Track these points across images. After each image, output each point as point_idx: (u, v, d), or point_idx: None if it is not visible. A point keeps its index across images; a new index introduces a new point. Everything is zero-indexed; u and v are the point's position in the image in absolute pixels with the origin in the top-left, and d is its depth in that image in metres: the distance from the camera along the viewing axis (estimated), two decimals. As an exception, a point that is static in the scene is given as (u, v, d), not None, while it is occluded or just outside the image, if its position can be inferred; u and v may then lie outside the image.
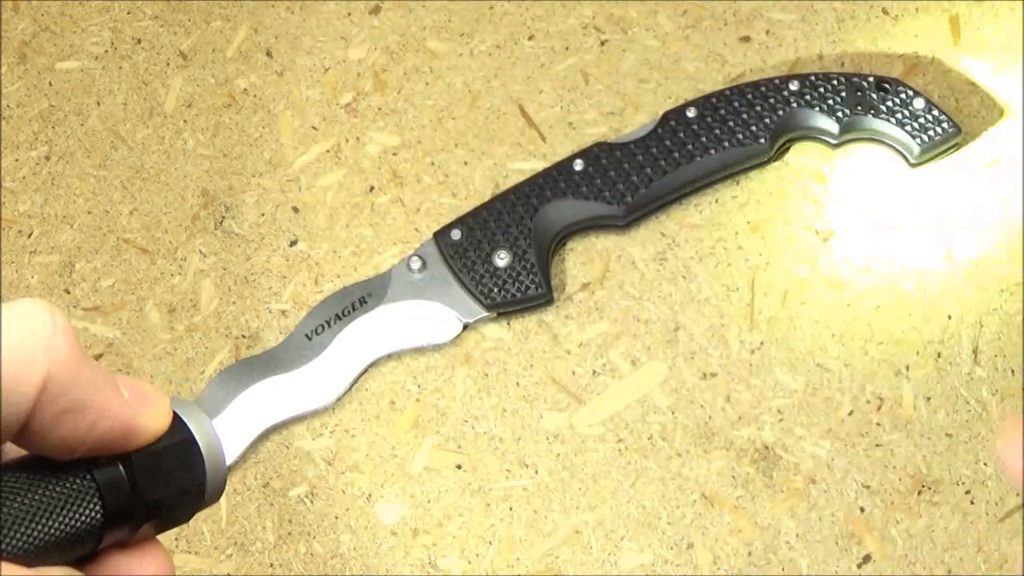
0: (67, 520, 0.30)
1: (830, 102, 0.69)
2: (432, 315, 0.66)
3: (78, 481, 0.30)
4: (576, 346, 0.66)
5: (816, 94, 0.69)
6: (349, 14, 0.77)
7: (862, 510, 0.61)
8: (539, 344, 0.66)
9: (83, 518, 0.30)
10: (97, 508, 0.30)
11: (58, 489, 0.30)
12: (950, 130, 0.68)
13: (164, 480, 0.32)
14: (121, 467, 0.31)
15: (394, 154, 0.72)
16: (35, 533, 0.29)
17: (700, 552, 0.61)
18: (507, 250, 0.66)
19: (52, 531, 0.29)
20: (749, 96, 0.69)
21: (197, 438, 0.33)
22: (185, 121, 0.74)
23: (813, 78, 0.70)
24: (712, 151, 0.68)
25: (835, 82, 0.69)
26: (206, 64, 0.76)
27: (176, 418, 0.33)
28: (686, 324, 0.66)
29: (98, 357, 0.67)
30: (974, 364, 0.64)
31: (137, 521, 0.31)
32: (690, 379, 0.65)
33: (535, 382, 0.65)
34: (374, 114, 0.73)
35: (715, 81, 0.73)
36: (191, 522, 0.58)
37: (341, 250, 0.69)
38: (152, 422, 0.31)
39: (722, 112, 0.69)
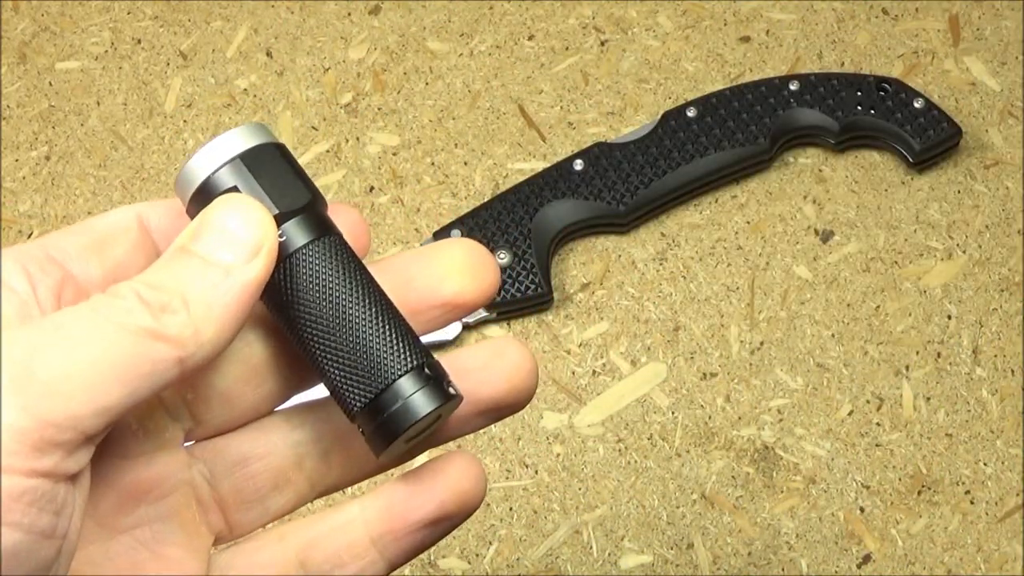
0: (343, 258, 0.33)
1: (830, 102, 0.69)
2: (432, 315, 0.66)
3: (311, 257, 0.32)
4: (576, 346, 0.66)
5: (816, 94, 0.69)
6: (349, 14, 0.77)
7: (862, 510, 0.61)
8: (539, 344, 0.66)
9: (336, 244, 0.33)
10: (329, 238, 0.33)
11: (319, 270, 0.32)
12: (950, 130, 0.68)
13: (282, 176, 0.33)
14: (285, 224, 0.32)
15: (394, 154, 0.72)
16: (365, 285, 0.33)
17: (700, 552, 0.61)
18: (507, 250, 0.66)
19: (358, 274, 0.33)
20: (749, 96, 0.69)
21: (249, 147, 0.33)
22: (185, 121, 0.74)
23: (813, 78, 0.70)
24: (712, 151, 0.68)
25: (835, 82, 0.69)
26: (206, 64, 0.76)
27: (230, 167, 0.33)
28: (686, 324, 0.66)
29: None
30: (974, 364, 0.64)
31: (312, 196, 0.33)
32: (690, 379, 0.65)
33: (535, 382, 0.65)
34: (374, 114, 0.73)
35: (715, 81, 0.73)
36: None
37: (341, 250, 0.69)
38: (266, 247, 0.32)
39: (722, 112, 0.69)
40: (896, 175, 0.70)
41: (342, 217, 0.34)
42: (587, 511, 0.62)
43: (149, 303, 0.29)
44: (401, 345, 0.32)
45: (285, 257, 0.32)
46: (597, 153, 0.68)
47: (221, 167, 0.33)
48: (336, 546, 0.34)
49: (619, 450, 0.63)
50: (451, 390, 0.33)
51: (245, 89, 0.75)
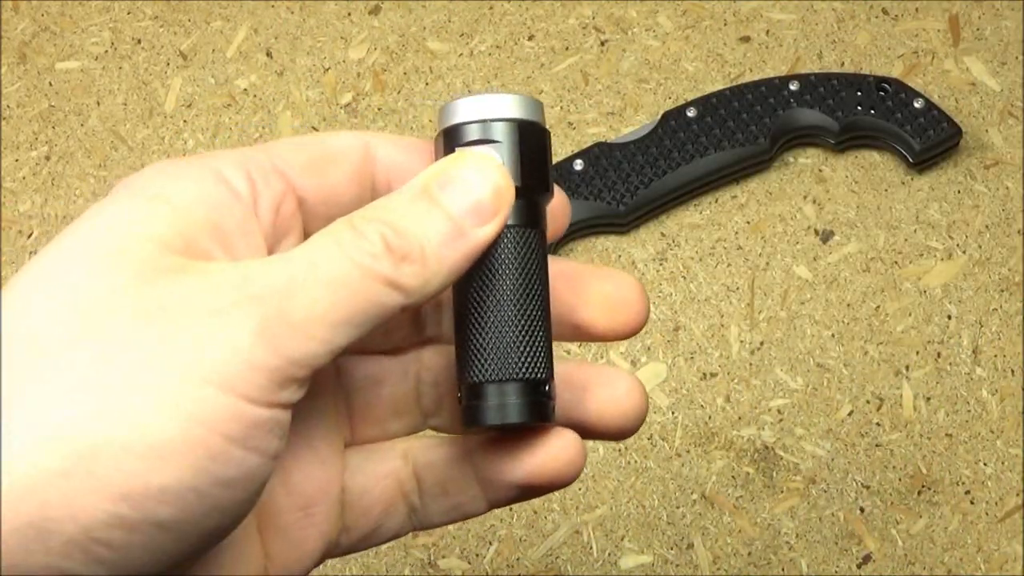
0: (536, 258, 0.34)
1: (830, 102, 0.69)
2: (432, 315, 0.66)
3: (511, 243, 0.34)
4: (576, 346, 0.66)
5: (816, 94, 0.69)
6: (349, 14, 0.77)
7: (862, 510, 0.61)
8: (539, 344, 0.66)
9: (534, 244, 0.34)
10: (533, 235, 0.34)
11: (515, 258, 0.33)
12: (950, 130, 0.68)
13: (534, 158, 0.34)
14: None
15: (394, 154, 0.72)
16: (538, 288, 0.34)
17: (700, 552, 0.61)
18: (507, 250, 0.66)
19: (541, 277, 0.34)
20: (749, 96, 0.69)
21: (522, 117, 0.34)
22: (185, 121, 0.74)
23: (813, 78, 0.70)
24: (712, 151, 0.68)
25: (835, 82, 0.69)
26: (206, 64, 0.76)
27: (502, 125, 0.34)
28: (686, 324, 0.66)
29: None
30: (974, 364, 0.64)
31: (543, 191, 0.34)
32: (690, 379, 0.65)
33: (535, 382, 0.65)
34: (374, 114, 0.73)
35: (715, 81, 0.73)
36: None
37: (341, 250, 0.69)
38: (503, 206, 0.33)
39: (722, 112, 0.69)
40: (896, 175, 0.70)
41: (553, 204, 0.36)
42: (587, 511, 0.62)
43: (393, 249, 0.31)
44: (536, 353, 0.33)
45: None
46: (597, 153, 0.68)
47: (498, 121, 0.34)
48: (447, 475, 0.37)
49: (619, 450, 0.63)
50: (550, 414, 0.34)
51: (245, 89, 0.75)
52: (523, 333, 0.33)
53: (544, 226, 0.35)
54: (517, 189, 0.33)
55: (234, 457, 0.29)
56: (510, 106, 0.34)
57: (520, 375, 0.33)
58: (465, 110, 0.34)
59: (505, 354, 0.33)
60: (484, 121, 0.34)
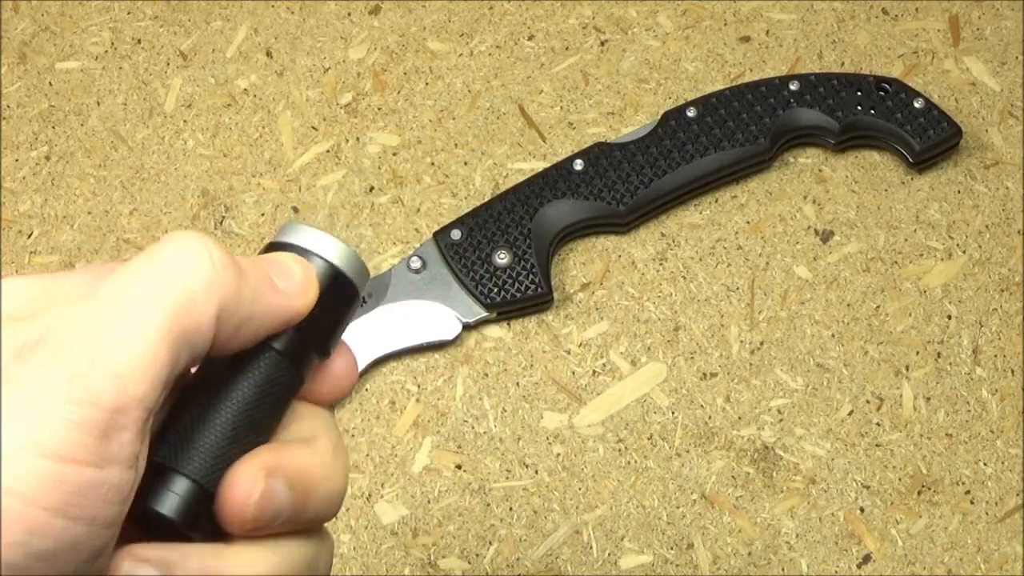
0: (272, 396, 0.34)
1: (830, 102, 0.69)
2: (432, 315, 0.66)
3: (263, 363, 0.34)
4: (576, 346, 0.66)
5: (816, 94, 0.69)
6: (349, 14, 0.77)
7: (862, 510, 0.61)
8: (539, 344, 0.66)
9: (282, 384, 0.34)
10: (288, 371, 0.34)
11: (252, 379, 0.34)
12: (950, 130, 0.68)
13: (326, 313, 0.35)
14: (284, 337, 0.35)
15: (394, 154, 0.72)
16: (260, 414, 0.34)
17: (700, 552, 0.61)
18: (507, 250, 0.66)
19: (263, 414, 0.34)
20: (749, 96, 0.69)
21: (333, 262, 0.36)
22: (185, 121, 0.74)
23: (813, 78, 0.70)
24: (712, 151, 0.68)
25: (835, 82, 0.69)
26: (206, 64, 0.76)
27: (318, 259, 0.36)
28: (686, 324, 0.66)
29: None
30: (974, 364, 0.64)
31: (321, 351, 0.36)
32: (690, 379, 0.65)
33: (535, 382, 0.65)
34: (374, 114, 0.73)
35: (715, 81, 0.73)
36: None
37: (341, 250, 0.69)
38: (307, 299, 0.35)
39: (722, 112, 0.69)
40: (896, 175, 0.70)
41: (338, 364, 0.37)
42: (587, 511, 0.62)
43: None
44: (220, 467, 0.33)
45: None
46: (597, 153, 0.68)
47: (321, 257, 0.36)
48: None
49: (619, 450, 0.63)
50: (198, 530, 0.33)
51: (245, 89, 0.75)
52: (220, 435, 0.33)
53: (303, 374, 0.35)
54: (302, 338, 0.35)
55: (53, 528, 0.27)
56: (338, 254, 0.36)
57: (193, 472, 0.32)
58: (301, 236, 0.36)
59: (200, 446, 0.33)
60: (306, 251, 0.36)
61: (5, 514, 0.27)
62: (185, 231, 0.32)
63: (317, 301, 0.35)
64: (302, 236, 0.36)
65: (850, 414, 0.63)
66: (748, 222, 0.69)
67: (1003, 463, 0.62)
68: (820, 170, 0.70)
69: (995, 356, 0.64)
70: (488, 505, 0.62)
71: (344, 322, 0.37)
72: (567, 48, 0.75)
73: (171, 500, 0.32)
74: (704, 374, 0.65)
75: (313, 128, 0.73)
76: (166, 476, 0.32)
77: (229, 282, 0.32)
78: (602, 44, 0.75)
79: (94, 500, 0.28)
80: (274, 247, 0.36)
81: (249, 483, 0.32)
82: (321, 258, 0.36)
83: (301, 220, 0.37)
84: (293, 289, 0.34)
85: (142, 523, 0.32)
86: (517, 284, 0.65)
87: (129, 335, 0.29)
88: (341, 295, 0.36)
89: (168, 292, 0.30)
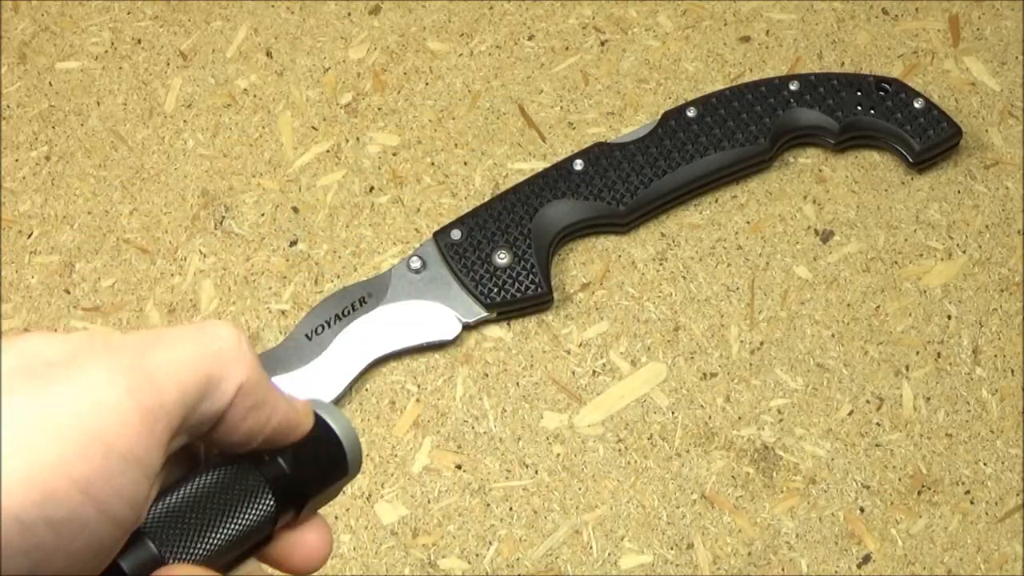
0: (248, 516, 0.35)
1: (830, 102, 0.69)
2: (432, 315, 0.66)
3: (251, 480, 0.36)
4: (576, 346, 0.66)
5: (816, 94, 0.69)
6: (349, 14, 0.77)
7: (862, 510, 0.61)
8: (539, 344, 0.66)
9: (260, 511, 0.36)
10: (270, 500, 0.36)
11: (236, 490, 0.35)
12: (950, 130, 0.68)
13: (317, 465, 0.37)
14: (282, 461, 0.36)
15: (394, 154, 0.72)
16: (225, 532, 0.35)
17: (700, 552, 0.61)
18: (507, 250, 0.66)
19: (238, 528, 0.35)
20: (749, 96, 0.69)
21: (331, 423, 0.38)
22: (185, 121, 0.74)
23: (813, 78, 0.70)
24: (712, 151, 0.68)
25: (835, 82, 0.69)
26: (206, 64, 0.76)
27: (315, 415, 0.38)
28: (686, 324, 0.66)
29: (98, 357, 0.67)
30: (974, 364, 0.64)
31: (300, 503, 0.37)
32: (690, 379, 0.65)
33: (535, 382, 0.65)
34: (374, 114, 0.73)
35: (715, 81, 0.73)
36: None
37: (341, 250, 0.69)
38: (306, 417, 0.37)
39: (722, 112, 0.69)
40: (896, 175, 0.70)
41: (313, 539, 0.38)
42: (587, 511, 0.62)
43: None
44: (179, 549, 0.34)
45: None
46: (597, 153, 0.68)
47: (325, 418, 0.38)
48: None
49: (619, 450, 0.63)
50: None
51: (245, 89, 0.75)
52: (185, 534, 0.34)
53: (279, 515, 0.36)
54: (289, 479, 0.36)
55: (71, 499, 0.29)
56: (341, 426, 0.38)
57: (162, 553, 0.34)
58: (318, 403, 0.38)
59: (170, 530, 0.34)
60: (315, 405, 0.38)
61: (33, 474, 0.29)
62: (221, 320, 0.36)
63: (309, 453, 0.37)
64: (318, 403, 0.38)
65: (850, 414, 0.63)
66: (748, 222, 0.69)
67: (1003, 463, 0.62)
68: (820, 170, 0.70)
69: (995, 356, 0.64)
70: (488, 505, 0.62)
71: (326, 492, 0.38)
72: (567, 48, 0.75)
73: (131, 559, 0.33)
74: (704, 374, 0.65)
75: (313, 128, 0.73)
76: (140, 538, 0.34)
77: (253, 362, 0.35)
78: (602, 44, 0.75)
79: (112, 487, 0.30)
80: None
81: None
82: (325, 419, 0.38)
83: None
84: (297, 407, 0.37)
85: None
86: (517, 284, 0.65)
87: (168, 355, 0.32)
88: (331, 460, 0.38)
89: (204, 341, 0.33)
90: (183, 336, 0.33)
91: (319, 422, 0.38)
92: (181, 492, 0.35)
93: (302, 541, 0.38)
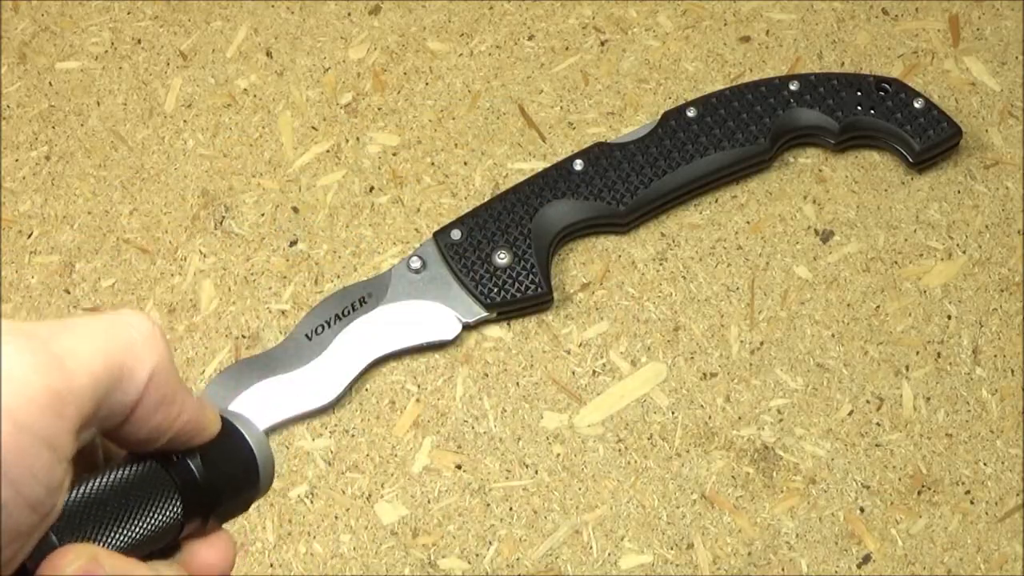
0: (155, 517, 0.35)
1: (830, 102, 0.69)
2: (432, 315, 0.66)
3: (160, 480, 0.35)
4: (576, 346, 0.66)
5: (816, 94, 0.69)
6: (349, 14, 0.77)
7: (862, 510, 0.61)
8: (539, 344, 0.66)
9: (167, 513, 0.35)
10: (177, 503, 0.35)
11: (145, 488, 0.35)
12: (950, 130, 0.68)
13: (228, 473, 0.36)
14: (191, 464, 0.35)
15: (394, 154, 0.72)
16: (130, 532, 0.34)
17: (700, 552, 0.61)
18: (507, 250, 0.66)
19: (144, 528, 0.34)
20: (749, 96, 0.69)
21: (245, 435, 0.37)
22: (185, 121, 0.74)
23: (813, 78, 0.70)
24: (712, 151, 0.68)
25: (835, 82, 0.69)
26: (206, 64, 0.76)
27: (224, 420, 0.37)
28: (686, 324, 0.66)
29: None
30: (974, 364, 0.64)
31: (208, 510, 0.36)
32: (690, 379, 0.65)
33: (535, 382, 0.65)
34: (374, 114, 0.73)
35: (715, 81, 0.73)
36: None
37: (341, 250, 0.69)
38: (213, 419, 0.36)
39: (722, 112, 0.69)
40: (896, 175, 0.70)
41: (216, 549, 0.37)
42: (587, 511, 0.62)
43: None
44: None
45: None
46: (597, 153, 0.68)
47: (240, 428, 0.38)
48: None
49: (619, 450, 0.63)
50: None
51: (245, 89, 0.75)
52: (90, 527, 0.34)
53: (185, 520, 0.35)
54: (198, 484, 0.36)
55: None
56: (257, 439, 0.37)
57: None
58: (239, 415, 0.38)
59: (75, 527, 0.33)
60: (230, 415, 0.37)
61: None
62: (133, 310, 0.35)
63: (220, 459, 0.36)
64: (235, 414, 0.38)
65: (850, 414, 0.63)
66: (748, 222, 0.69)
67: (1003, 463, 0.62)
68: (820, 170, 0.70)
69: (995, 356, 0.64)
70: (488, 505, 0.62)
71: (235, 503, 0.37)
72: (567, 48, 0.75)
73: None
74: (704, 374, 0.65)
75: (313, 128, 0.73)
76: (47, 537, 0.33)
77: (166, 354, 0.34)
78: (602, 44, 0.75)
79: (26, 466, 0.30)
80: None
81: (67, 561, 0.32)
82: (239, 429, 0.37)
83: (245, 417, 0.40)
84: (206, 408, 0.36)
85: None
86: (517, 284, 0.65)
87: (80, 341, 0.32)
88: (243, 471, 0.37)
89: (117, 330, 0.33)
90: (96, 324, 0.33)
91: (233, 432, 0.37)
92: (89, 486, 0.34)
93: (206, 553, 0.37)
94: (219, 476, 0.36)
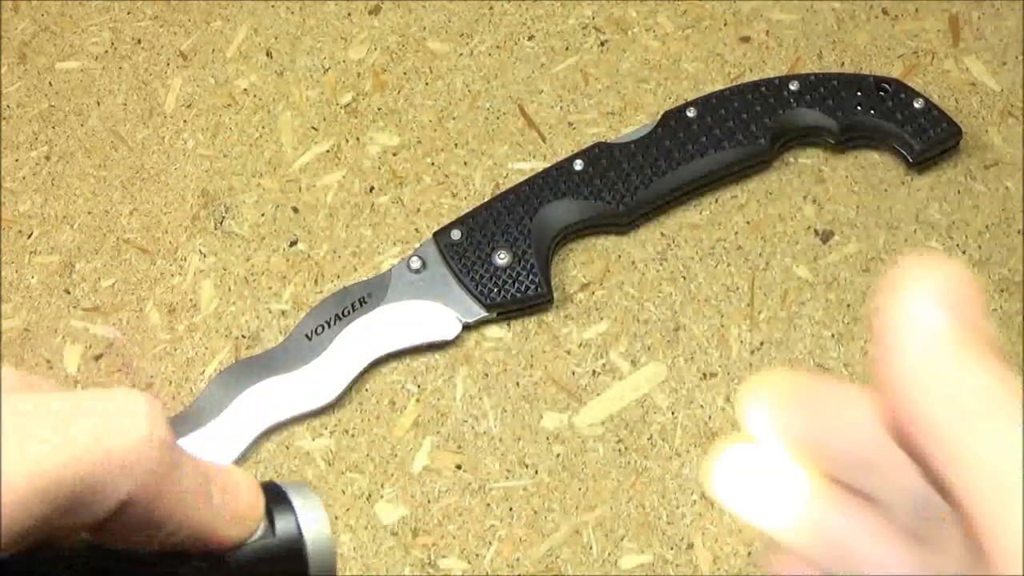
0: None
1: (830, 102, 0.69)
2: (432, 315, 0.66)
3: None
4: (576, 346, 0.66)
5: (816, 94, 0.69)
6: (349, 14, 0.77)
7: (862, 510, 0.61)
8: (539, 344, 0.66)
9: None
10: None
11: None
12: (950, 130, 0.68)
13: None
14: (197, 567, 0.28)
15: (394, 154, 0.72)
16: None
17: (700, 552, 0.61)
18: (507, 250, 0.66)
19: None
20: (749, 96, 0.69)
21: (303, 528, 0.29)
22: (185, 121, 0.74)
23: (813, 78, 0.70)
24: (712, 151, 0.68)
25: (835, 82, 0.69)
26: (206, 64, 0.76)
27: (282, 504, 0.29)
28: (686, 324, 0.66)
29: (98, 358, 0.67)
30: (974, 364, 0.64)
31: None
32: (690, 379, 0.65)
33: (535, 382, 0.65)
34: (374, 114, 0.73)
35: (715, 81, 0.73)
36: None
37: (341, 250, 0.69)
38: (240, 530, 0.28)
39: (722, 112, 0.69)
40: (896, 175, 0.70)
41: None
42: (587, 511, 0.62)
43: None
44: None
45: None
46: (597, 153, 0.68)
47: (294, 515, 0.30)
48: None
49: (619, 450, 0.63)
50: None
51: (245, 89, 0.75)
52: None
53: None
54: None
55: None
56: (314, 530, 0.29)
57: None
58: (298, 493, 0.30)
59: None
60: (283, 502, 0.29)
61: None
62: (139, 392, 0.27)
63: (255, 554, 0.28)
64: (298, 494, 0.30)
65: (850, 414, 0.63)
66: (748, 222, 0.69)
67: (1003, 463, 0.62)
68: (820, 170, 0.70)
69: (995, 356, 0.64)
70: (488, 505, 0.62)
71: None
72: (567, 48, 0.75)
73: None
74: (704, 374, 0.65)
75: (313, 128, 0.73)
76: None
77: (157, 466, 0.26)
78: (602, 44, 0.75)
79: None
80: (265, 486, 0.30)
81: None
82: (293, 516, 0.29)
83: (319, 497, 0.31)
84: (228, 510, 0.28)
85: None
86: (517, 284, 0.65)
87: (34, 442, 0.24)
88: (286, 566, 0.29)
89: (96, 428, 0.25)
90: (73, 413, 0.25)
91: (284, 520, 0.29)
92: None
93: None
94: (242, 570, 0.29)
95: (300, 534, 0.29)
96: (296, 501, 0.30)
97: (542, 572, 0.60)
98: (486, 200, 0.69)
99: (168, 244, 0.70)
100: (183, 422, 0.63)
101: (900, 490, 0.29)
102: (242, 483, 0.29)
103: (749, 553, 0.60)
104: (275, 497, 0.30)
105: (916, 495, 0.28)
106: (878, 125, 0.69)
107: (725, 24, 0.75)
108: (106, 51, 0.77)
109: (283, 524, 0.29)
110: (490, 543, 0.61)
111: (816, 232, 0.68)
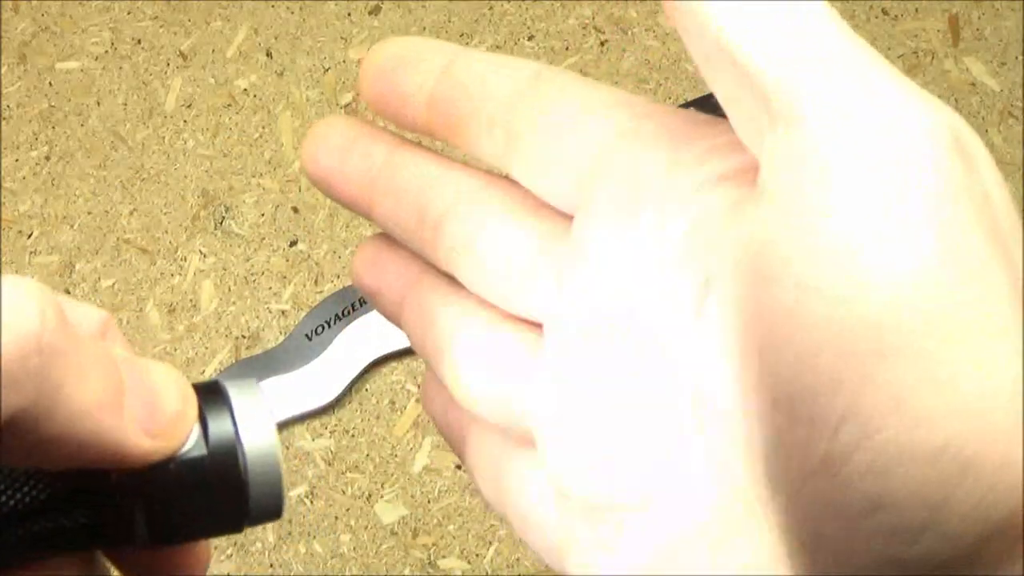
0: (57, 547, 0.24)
1: (830, 102, 0.69)
2: (432, 315, 0.66)
3: (63, 519, 0.23)
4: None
5: (816, 94, 0.69)
6: (349, 14, 0.77)
7: (862, 510, 0.61)
8: (539, 344, 0.66)
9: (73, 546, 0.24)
10: (87, 541, 0.24)
11: (44, 524, 0.23)
12: (950, 130, 0.68)
13: (179, 502, 0.24)
14: (118, 495, 0.23)
15: (394, 154, 0.72)
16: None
17: (700, 552, 0.60)
18: (507, 250, 0.66)
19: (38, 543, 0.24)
20: (749, 96, 0.69)
21: (241, 437, 0.24)
22: (185, 121, 0.74)
23: (813, 78, 0.70)
24: (712, 151, 0.68)
25: (835, 82, 0.69)
26: (206, 64, 0.76)
27: (219, 408, 0.25)
28: (686, 324, 0.66)
29: (98, 357, 0.67)
30: (974, 364, 0.64)
31: (155, 537, 0.24)
32: (690, 379, 0.65)
33: (535, 382, 0.65)
34: (374, 114, 0.73)
35: (715, 81, 0.73)
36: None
37: (341, 250, 0.69)
38: (159, 444, 0.23)
39: (722, 112, 0.69)
40: (896, 175, 0.70)
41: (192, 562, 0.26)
42: (587, 511, 0.62)
43: None
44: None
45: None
46: (597, 153, 0.68)
47: (235, 424, 0.25)
48: None
49: (619, 450, 0.63)
50: None
51: (245, 89, 0.75)
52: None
53: (99, 542, 0.24)
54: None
55: None
56: (257, 441, 0.24)
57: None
58: (243, 395, 0.25)
59: None
60: (220, 408, 0.24)
61: None
62: (29, 279, 0.22)
63: (181, 472, 0.23)
64: (240, 393, 0.25)
65: (850, 414, 0.63)
66: (748, 222, 0.69)
67: (1003, 463, 0.62)
68: (820, 170, 0.70)
69: (995, 356, 0.64)
70: (488, 505, 0.62)
71: (208, 526, 0.25)
72: (567, 48, 0.75)
73: None
74: (704, 374, 0.65)
75: (313, 128, 0.73)
76: None
77: (47, 376, 0.20)
78: (602, 44, 0.75)
79: None
80: (202, 387, 0.25)
81: None
82: (231, 423, 0.24)
83: (259, 386, 0.26)
84: (147, 423, 0.23)
85: None
86: (517, 284, 0.65)
87: None
88: (225, 489, 0.24)
89: None
90: None
91: (220, 432, 0.24)
92: None
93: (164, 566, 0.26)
94: (164, 506, 0.24)
95: (238, 444, 0.24)
96: (236, 403, 0.24)
97: (542, 572, 0.60)
98: (486, 200, 0.68)
99: (168, 244, 0.70)
100: (183, 422, 0.63)
101: None
102: (168, 387, 0.24)
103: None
104: (212, 399, 0.25)
105: None
106: (878, 125, 0.69)
107: (725, 24, 0.75)
108: (106, 51, 0.77)
109: (217, 433, 0.24)
110: (490, 543, 0.61)
111: (816, 232, 0.68)
